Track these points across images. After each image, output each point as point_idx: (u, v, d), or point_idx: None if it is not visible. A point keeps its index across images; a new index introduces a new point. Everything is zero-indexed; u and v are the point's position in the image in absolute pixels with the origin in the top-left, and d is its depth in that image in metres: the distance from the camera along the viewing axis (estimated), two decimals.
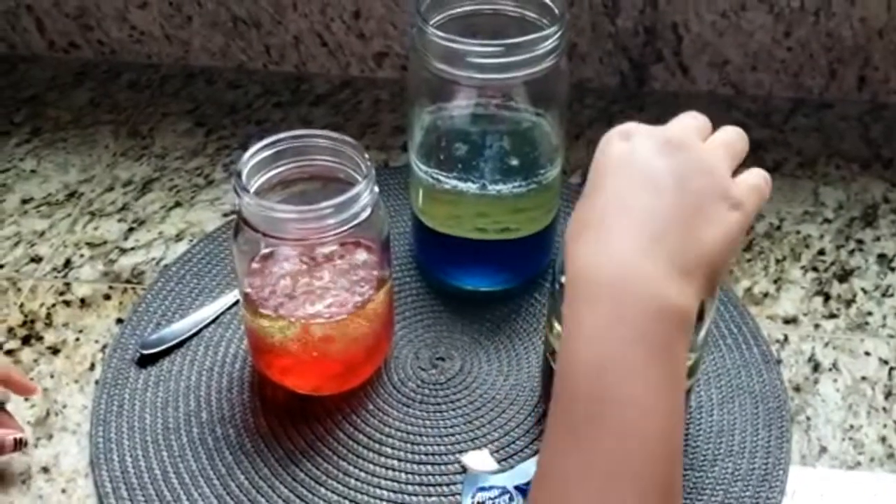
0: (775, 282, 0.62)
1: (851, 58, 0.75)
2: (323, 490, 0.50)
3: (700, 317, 0.47)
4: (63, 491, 0.51)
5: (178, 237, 0.66)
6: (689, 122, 0.40)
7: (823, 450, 0.53)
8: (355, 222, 0.48)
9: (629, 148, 0.38)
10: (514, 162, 0.56)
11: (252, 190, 0.49)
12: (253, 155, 0.50)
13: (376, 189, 0.50)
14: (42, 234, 0.66)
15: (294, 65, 0.80)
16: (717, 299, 0.48)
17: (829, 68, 0.76)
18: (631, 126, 0.39)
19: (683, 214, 0.35)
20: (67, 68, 0.81)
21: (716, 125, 0.77)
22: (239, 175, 0.49)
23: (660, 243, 0.34)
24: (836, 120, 0.75)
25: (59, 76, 0.80)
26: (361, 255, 0.52)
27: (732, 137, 0.40)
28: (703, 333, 0.47)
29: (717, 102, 0.77)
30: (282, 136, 0.51)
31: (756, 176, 0.39)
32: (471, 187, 0.56)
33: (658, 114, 0.79)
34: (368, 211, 0.49)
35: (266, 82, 0.79)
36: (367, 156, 0.50)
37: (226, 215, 0.67)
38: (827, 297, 0.61)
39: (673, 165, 0.37)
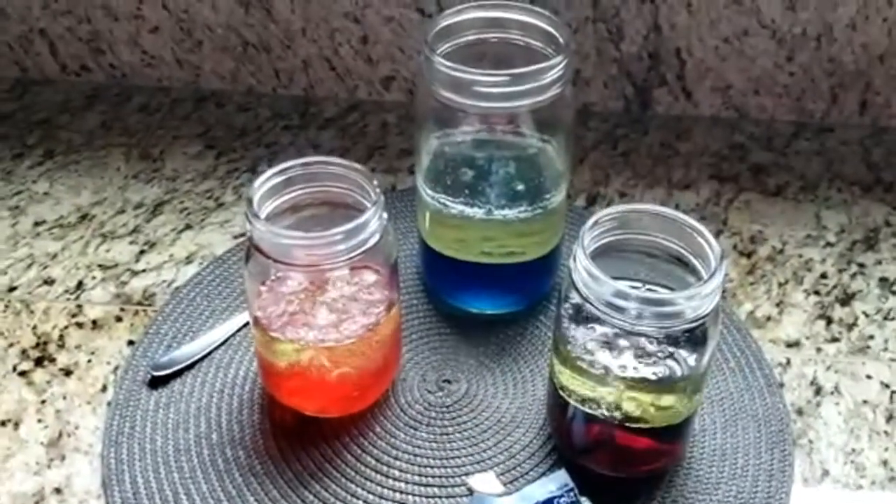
0: (777, 305, 0.63)
1: (853, 82, 0.76)
2: None
3: (704, 340, 0.48)
4: None
5: (189, 259, 0.67)
6: None
7: (826, 472, 0.53)
8: (364, 248, 0.49)
9: None
10: (520, 187, 0.57)
11: (263, 216, 0.50)
12: (264, 182, 0.51)
13: (385, 215, 0.51)
14: (55, 256, 0.67)
15: (303, 88, 0.81)
16: (720, 323, 0.48)
17: (831, 93, 0.77)
18: None
19: None
20: (79, 91, 0.82)
21: (718, 148, 0.78)
22: (250, 201, 0.50)
23: None
24: (837, 144, 0.76)
25: (71, 99, 0.82)
26: (370, 279, 0.53)
27: None
28: (707, 357, 0.48)
29: (719, 126, 0.78)
30: (292, 163, 0.52)
31: None
32: (477, 212, 0.57)
33: (661, 138, 0.81)
34: (377, 237, 0.50)
35: (275, 105, 0.81)
36: (375, 182, 0.51)
37: (236, 237, 0.68)
38: (829, 321, 0.62)
39: None
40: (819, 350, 0.60)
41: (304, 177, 0.52)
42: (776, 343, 0.61)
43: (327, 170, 0.52)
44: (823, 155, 0.75)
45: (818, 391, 0.58)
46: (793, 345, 0.60)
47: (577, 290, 0.47)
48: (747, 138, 0.77)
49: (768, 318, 0.62)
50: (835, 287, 0.64)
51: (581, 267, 0.47)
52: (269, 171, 0.51)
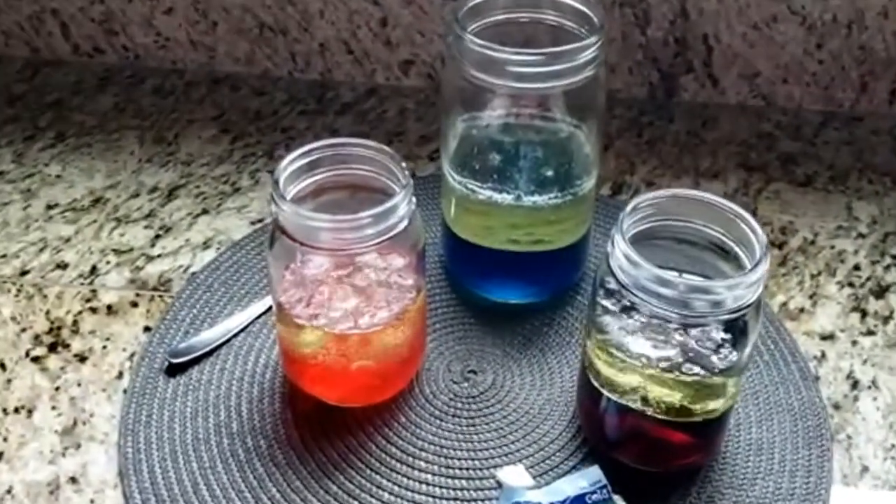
0: (811, 297, 0.62)
1: (884, 71, 0.74)
2: (355, 503, 0.50)
3: (745, 331, 0.46)
4: (91, 502, 0.50)
5: (206, 245, 0.65)
6: None
7: (865, 469, 0.52)
8: (393, 233, 0.48)
9: None
10: (550, 173, 0.56)
11: (288, 198, 0.48)
12: (290, 163, 0.49)
13: (413, 200, 0.49)
14: (68, 240, 0.66)
15: (319, 72, 0.80)
16: (762, 315, 0.47)
17: (861, 81, 0.75)
18: None
19: None
20: (92, 73, 0.81)
21: (745, 137, 0.76)
22: (276, 182, 0.48)
23: None
24: (867, 133, 0.75)
25: (83, 81, 0.80)
26: (398, 265, 0.51)
27: None
28: (748, 349, 0.46)
29: (746, 114, 0.76)
30: (319, 144, 0.50)
31: None
32: (506, 198, 0.55)
33: (687, 126, 0.79)
34: (406, 222, 0.48)
35: (291, 90, 0.79)
36: (404, 165, 0.49)
37: (253, 223, 0.67)
38: (864, 314, 0.60)
39: None
40: (855, 343, 0.59)
41: (332, 159, 0.50)
42: (810, 336, 0.59)
43: (355, 152, 0.50)
44: (853, 145, 0.74)
45: (855, 385, 0.56)
46: (827, 337, 0.59)
47: (614, 276, 0.46)
48: (775, 127, 0.75)
49: (801, 310, 0.61)
50: (868, 279, 0.63)
51: (620, 252, 0.45)
52: (296, 152, 0.50)
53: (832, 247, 0.65)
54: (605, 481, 0.49)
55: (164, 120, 0.76)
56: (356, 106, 0.77)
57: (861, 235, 0.66)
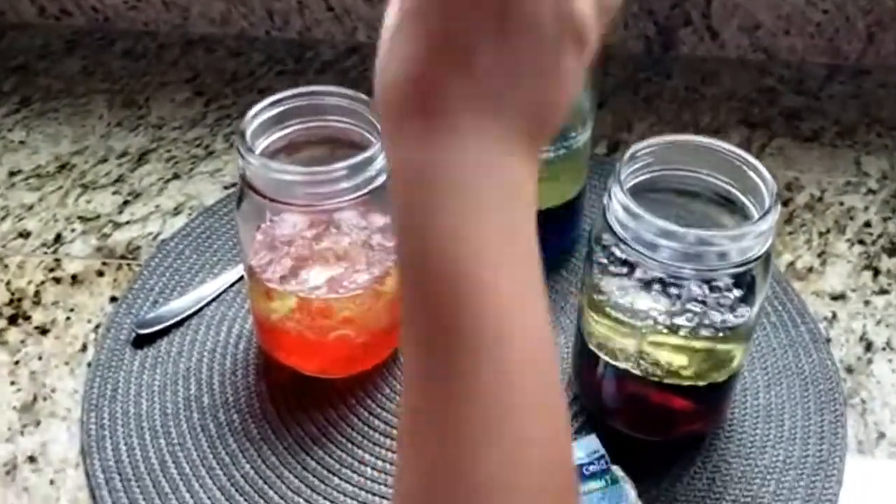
0: (819, 255, 0.58)
1: (891, 21, 0.70)
2: (336, 480, 0.46)
3: (753, 288, 0.43)
4: (51, 482, 0.47)
5: (177, 210, 0.61)
6: None
7: (881, 436, 0.48)
8: (370, 187, 0.44)
9: None
10: None
11: (257, 152, 0.44)
12: (257, 114, 0.45)
13: None
14: (31, 207, 0.62)
15: (298, 31, 0.76)
16: (771, 270, 0.43)
17: (867, 32, 0.71)
18: None
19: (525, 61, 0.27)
20: (58, 36, 0.77)
21: (746, 92, 0.73)
22: (243, 135, 0.44)
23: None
24: (874, 87, 0.71)
25: (49, 44, 0.76)
26: (379, 224, 0.48)
27: None
28: (756, 307, 0.43)
29: (747, 68, 0.72)
30: (289, 93, 0.46)
31: None
32: None
33: (686, 81, 0.75)
34: (385, 176, 0.45)
35: (269, 49, 0.75)
36: None
37: (227, 188, 0.63)
38: (876, 272, 0.57)
39: None
40: (867, 303, 0.55)
41: (303, 109, 0.47)
42: (820, 296, 0.56)
43: (329, 101, 0.47)
44: (860, 98, 0.70)
45: (869, 347, 0.53)
46: (838, 297, 0.55)
47: (612, 230, 0.42)
48: (777, 81, 0.72)
49: (810, 270, 0.57)
50: (880, 236, 0.59)
51: (618, 204, 0.41)
52: (263, 102, 0.46)
53: (841, 203, 0.62)
54: (602, 451, 0.46)
55: (134, 83, 0.72)
56: (337, 65, 0.73)
57: (871, 191, 0.63)
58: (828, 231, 0.60)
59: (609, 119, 0.68)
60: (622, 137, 0.67)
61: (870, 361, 0.52)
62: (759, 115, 0.69)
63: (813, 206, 0.62)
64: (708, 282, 0.42)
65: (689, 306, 0.42)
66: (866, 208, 0.61)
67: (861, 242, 0.59)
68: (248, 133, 0.45)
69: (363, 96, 0.46)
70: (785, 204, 0.62)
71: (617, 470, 0.45)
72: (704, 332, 0.43)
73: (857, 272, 0.57)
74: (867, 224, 0.60)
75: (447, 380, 0.26)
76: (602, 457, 0.46)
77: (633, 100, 0.70)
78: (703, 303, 0.43)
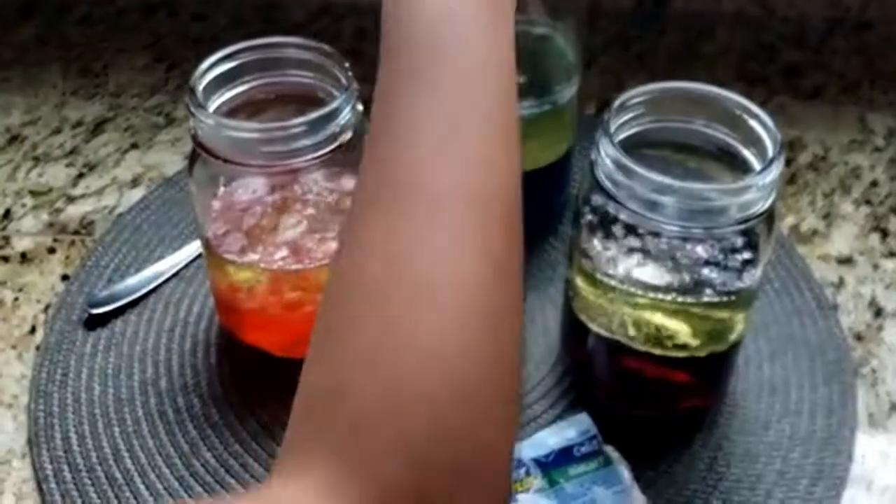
0: (825, 217, 0.54)
1: None
2: None
3: (755, 248, 0.39)
4: None
5: (135, 182, 0.57)
6: None
7: (894, 407, 0.45)
8: (335, 144, 0.40)
9: None
10: (524, 79, 0.48)
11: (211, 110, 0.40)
12: (210, 68, 0.41)
13: (360, 107, 0.41)
14: None
15: None
16: (775, 230, 0.39)
17: None
18: None
19: None
20: (9, 4, 0.72)
21: (744, 48, 0.68)
22: (193, 91, 0.40)
23: None
24: (878, 40, 0.67)
25: (1, 12, 0.71)
26: (349, 188, 0.44)
27: None
28: (759, 269, 0.39)
29: (744, 24, 0.68)
30: (243, 45, 0.42)
31: None
32: None
33: (680, 37, 0.70)
34: (350, 133, 0.41)
35: (234, 12, 0.70)
36: (347, 65, 0.42)
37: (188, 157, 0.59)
38: (884, 234, 0.53)
39: None
40: (876, 267, 0.51)
41: (260, 63, 0.42)
42: (825, 260, 0.52)
43: (289, 54, 0.43)
44: (863, 53, 0.66)
45: (878, 313, 0.49)
46: (845, 261, 0.52)
47: (601, 188, 0.38)
48: (776, 37, 0.68)
49: (814, 233, 0.53)
50: (888, 196, 0.56)
51: (608, 159, 0.37)
52: (215, 56, 0.42)
53: (846, 162, 0.58)
54: (594, 430, 0.42)
55: (91, 51, 0.68)
56: (308, 27, 0.69)
57: (877, 149, 0.59)
58: (833, 191, 0.56)
59: (598, 78, 0.64)
60: (612, 97, 0.62)
61: (880, 328, 0.48)
62: (758, 72, 0.65)
63: (817, 166, 0.58)
64: (708, 241, 0.38)
65: (687, 268, 0.39)
66: (872, 167, 0.58)
67: (868, 203, 0.55)
68: (200, 90, 0.40)
69: (327, 47, 0.42)
70: (787, 164, 0.58)
71: (611, 450, 0.42)
72: (704, 298, 0.39)
73: (865, 234, 0.53)
74: (874, 183, 0.57)
75: (410, 79, 0.29)
76: (594, 437, 0.42)
77: (624, 57, 0.66)
78: (704, 264, 0.39)
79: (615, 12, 0.69)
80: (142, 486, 0.42)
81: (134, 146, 0.60)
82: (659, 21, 0.69)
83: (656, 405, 0.44)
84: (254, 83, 0.43)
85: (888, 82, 0.64)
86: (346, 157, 0.41)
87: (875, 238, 0.53)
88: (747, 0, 0.69)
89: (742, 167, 0.39)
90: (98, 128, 0.61)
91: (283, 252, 0.43)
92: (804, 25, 0.68)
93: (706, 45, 0.67)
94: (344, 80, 0.41)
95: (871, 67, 0.65)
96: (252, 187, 0.43)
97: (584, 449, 0.42)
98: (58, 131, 0.61)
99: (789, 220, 0.54)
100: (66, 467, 0.42)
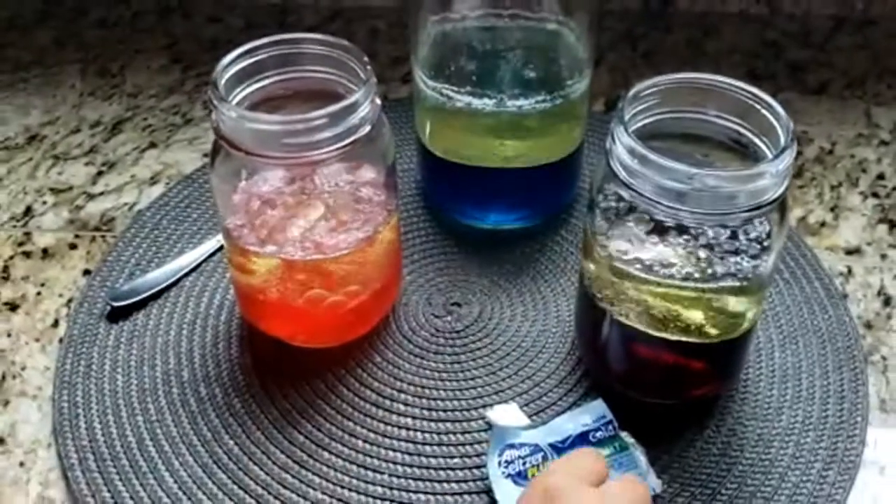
0: (832, 210, 0.55)
1: None
2: (326, 454, 0.43)
3: (768, 236, 0.39)
4: (21, 464, 0.44)
5: (154, 180, 0.58)
6: (572, 468, 0.36)
7: None
8: (354, 137, 0.41)
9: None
10: (536, 74, 0.49)
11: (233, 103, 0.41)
12: (231, 63, 0.42)
13: (378, 101, 0.42)
14: None
15: None
16: (788, 218, 0.40)
17: None
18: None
19: None
20: (28, 7, 0.73)
21: (749, 46, 0.69)
22: (215, 85, 0.41)
23: None
24: (883, 37, 0.68)
25: (18, 16, 0.72)
26: (366, 178, 0.44)
27: (626, 488, 0.36)
28: (772, 259, 0.40)
29: (749, 23, 0.69)
30: (263, 41, 0.43)
31: None
32: (487, 104, 0.48)
33: (686, 37, 0.72)
34: (369, 126, 0.42)
35: (249, 15, 0.72)
36: (366, 60, 0.42)
37: (206, 156, 0.60)
38: (892, 225, 0.54)
39: None
40: (884, 257, 0.52)
41: (280, 59, 0.43)
42: (834, 251, 0.53)
43: (307, 49, 0.43)
44: (868, 49, 0.67)
45: (887, 302, 0.50)
46: (853, 252, 0.53)
47: (616, 176, 0.39)
48: (781, 35, 0.69)
49: (822, 224, 0.54)
50: (895, 188, 0.56)
51: (622, 147, 0.38)
52: (236, 52, 0.43)
53: (852, 156, 0.59)
54: (610, 416, 0.43)
55: (108, 52, 0.69)
56: (320, 29, 0.69)
57: (883, 143, 0.60)
58: (840, 184, 0.57)
59: (606, 76, 0.65)
60: (620, 94, 0.64)
61: (889, 316, 0.49)
62: (764, 69, 0.66)
63: (823, 160, 0.59)
64: (722, 228, 0.39)
65: (701, 255, 0.39)
66: (879, 160, 0.58)
67: (875, 195, 0.56)
68: (222, 84, 0.41)
69: (345, 42, 0.43)
70: (794, 157, 0.58)
71: (626, 436, 0.42)
72: (718, 284, 0.40)
73: (872, 226, 0.54)
74: (881, 176, 0.57)
75: None
76: (610, 422, 0.43)
77: (631, 55, 0.67)
78: (718, 250, 0.40)
79: (622, 12, 0.70)
80: (166, 474, 0.43)
81: (152, 145, 0.61)
82: (665, 20, 0.70)
83: (671, 392, 0.44)
84: (273, 79, 0.43)
85: (893, 77, 0.65)
86: (365, 149, 0.42)
87: (882, 229, 0.54)
88: None
89: (753, 157, 0.40)
90: (116, 127, 0.62)
91: (301, 242, 0.44)
92: (809, 24, 0.69)
93: (712, 43, 0.68)
94: (363, 74, 0.42)
95: (876, 63, 0.66)
96: (272, 179, 0.44)
97: (599, 434, 0.42)
98: (77, 131, 0.62)
99: (797, 213, 0.55)
100: (91, 456, 0.43)
